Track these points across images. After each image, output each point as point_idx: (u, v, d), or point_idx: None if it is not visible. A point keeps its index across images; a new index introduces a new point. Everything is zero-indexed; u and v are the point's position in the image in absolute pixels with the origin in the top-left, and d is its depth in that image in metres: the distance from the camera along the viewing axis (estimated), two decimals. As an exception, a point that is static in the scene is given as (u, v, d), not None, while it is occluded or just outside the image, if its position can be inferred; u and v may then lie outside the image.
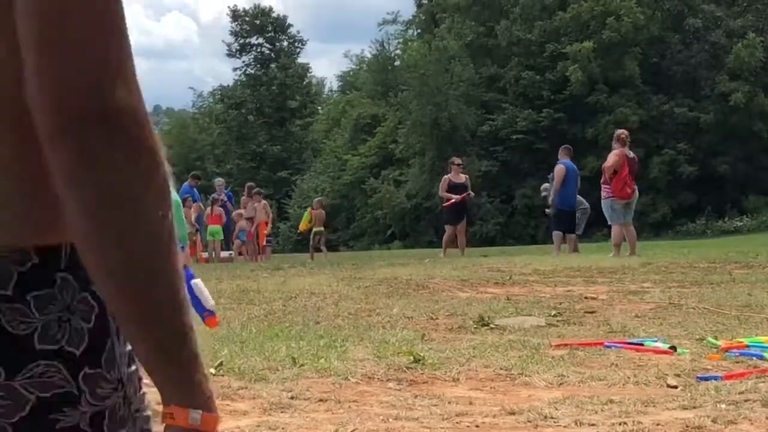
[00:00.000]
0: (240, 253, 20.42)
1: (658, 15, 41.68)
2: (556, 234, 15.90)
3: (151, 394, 1.05)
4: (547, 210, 16.66)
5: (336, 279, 10.73)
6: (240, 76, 57.02)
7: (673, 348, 5.91)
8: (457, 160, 18.46)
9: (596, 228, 25.09)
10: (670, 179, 38.78)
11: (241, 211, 20.84)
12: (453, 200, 17.09)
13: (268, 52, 57.10)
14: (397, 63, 50.66)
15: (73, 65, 0.89)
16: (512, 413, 4.43)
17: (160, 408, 1.00)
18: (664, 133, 39.89)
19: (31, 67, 0.90)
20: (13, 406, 0.95)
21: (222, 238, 20.09)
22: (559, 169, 15.74)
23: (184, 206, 18.98)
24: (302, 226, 21.57)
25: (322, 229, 20.46)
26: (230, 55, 56.99)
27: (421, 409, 4.57)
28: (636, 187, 14.48)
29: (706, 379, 5.07)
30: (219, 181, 22.61)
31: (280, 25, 57.65)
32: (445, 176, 17.76)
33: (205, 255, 19.59)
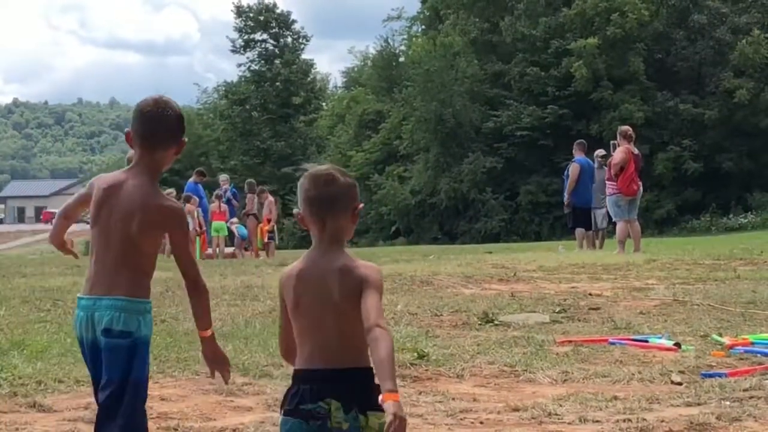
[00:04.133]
0: (246, 249, 20.39)
1: (663, 11, 41.59)
2: (578, 231, 15.87)
3: None
4: (565, 210, 16.57)
5: (340, 275, 10.70)
6: (244, 72, 56.99)
7: (678, 345, 5.90)
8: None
9: (601, 224, 25.00)
10: (675, 176, 38.69)
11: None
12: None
13: (272, 48, 57.06)
14: (401, 59, 50.60)
15: None
16: (516, 410, 4.43)
17: None
18: (669, 129, 39.80)
19: None
20: None
21: (226, 234, 20.07)
22: (573, 168, 15.72)
23: (188, 203, 18.99)
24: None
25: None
26: (234, 51, 56.96)
27: (425, 405, 4.57)
28: (641, 183, 14.46)
29: (711, 376, 5.06)
30: (223, 177, 22.54)
31: (284, 21, 57.60)
32: None
33: (209, 251, 19.59)
